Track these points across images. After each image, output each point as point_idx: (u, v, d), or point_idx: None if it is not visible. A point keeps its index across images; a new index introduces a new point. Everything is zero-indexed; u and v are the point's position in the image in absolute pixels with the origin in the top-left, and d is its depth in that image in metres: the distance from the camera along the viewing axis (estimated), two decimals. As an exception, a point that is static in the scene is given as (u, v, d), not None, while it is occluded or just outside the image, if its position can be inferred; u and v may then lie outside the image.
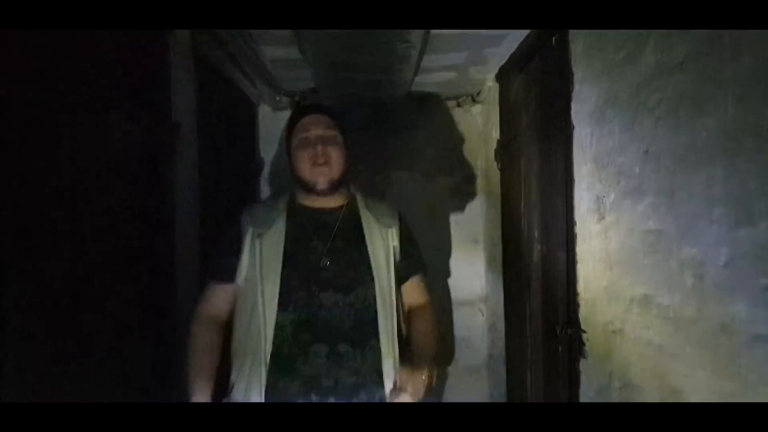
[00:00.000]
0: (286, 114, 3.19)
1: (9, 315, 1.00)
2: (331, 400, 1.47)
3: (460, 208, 3.14)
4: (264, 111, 3.18)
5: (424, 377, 1.48)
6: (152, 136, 1.69)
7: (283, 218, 1.57)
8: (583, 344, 1.74)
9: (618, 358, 1.51)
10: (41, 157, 1.14)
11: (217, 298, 1.58)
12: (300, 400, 1.46)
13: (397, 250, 1.62)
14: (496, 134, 2.72)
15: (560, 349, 1.88)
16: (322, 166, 1.54)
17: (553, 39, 1.86)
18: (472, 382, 3.14)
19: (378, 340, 1.52)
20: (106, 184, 1.40)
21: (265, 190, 3.18)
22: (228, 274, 1.56)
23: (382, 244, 1.58)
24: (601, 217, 1.58)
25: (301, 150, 1.57)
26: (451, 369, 3.16)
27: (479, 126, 3.11)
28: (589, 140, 1.64)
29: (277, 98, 3.10)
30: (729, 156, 1.03)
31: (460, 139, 3.13)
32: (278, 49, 2.37)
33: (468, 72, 2.63)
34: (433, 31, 2.07)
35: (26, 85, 1.09)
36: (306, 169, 1.56)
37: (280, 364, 1.46)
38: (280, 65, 2.63)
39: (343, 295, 1.50)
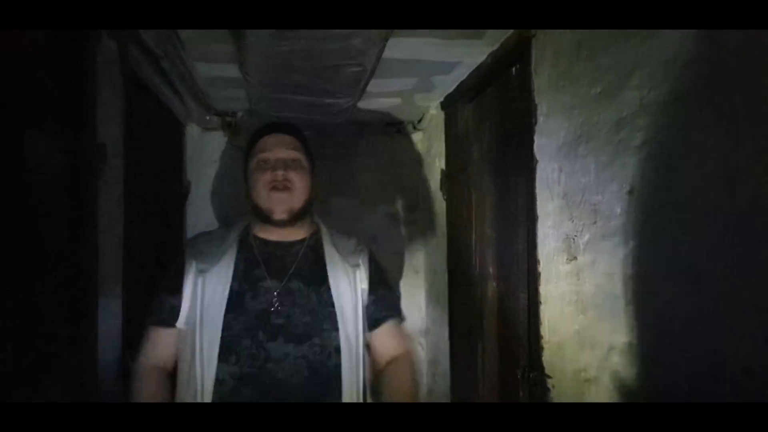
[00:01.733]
0: (216, 135, 2.99)
1: None
2: None
3: (401, 237, 3.03)
4: (192, 131, 2.95)
5: None
6: (75, 156, 1.47)
7: (233, 252, 1.37)
8: (548, 389, 1.65)
9: (592, 408, 1.42)
10: None
11: (158, 345, 1.38)
12: None
13: (366, 293, 1.41)
14: (440, 163, 2.64)
15: (521, 393, 1.78)
16: (281, 192, 1.35)
17: (513, 69, 1.80)
18: (412, 419, 3.00)
19: (336, 398, 1.31)
20: (22, 207, 1.19)
21: (191, 215, 2.93)
22: (168, 316, 1.36)
23: (349, 286, 1.37)
24: (572, 258, 1.51)
25: (259, 173, 1.37)
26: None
27: (420, 154, 3.03)
28: (556, 176, 1.58)
29: (207, 118, 2.89)
30: (725, 196, 0.97)
31: (400, 167, 3.03)
32: (214, 66, 2.18)
33: (413, 99, 2.54)
34: (384, 56, 1.96)
35: None
36: (263, 196, 1.37)
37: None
38: (214, 84, 2.43)
39: (294, 346, 1.30)
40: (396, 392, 1.39)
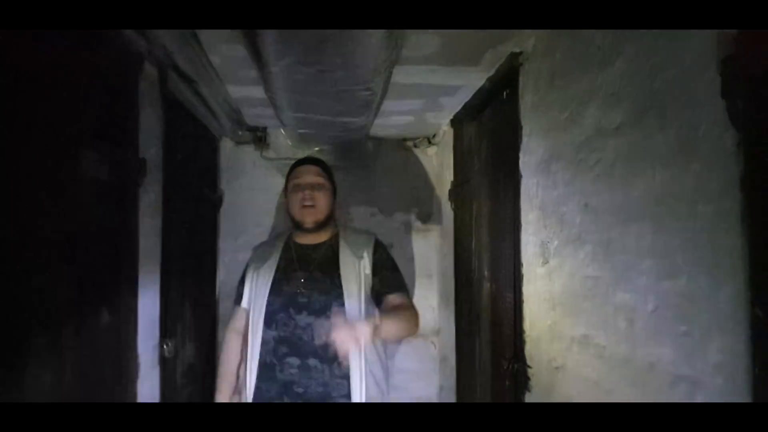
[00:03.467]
0: (248, 148, 3.29)
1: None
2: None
3: (416, 243, 3.26)
4: (225, 145, 3.24)
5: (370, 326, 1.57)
6: (120, 171, 1.74)
7: (278, 253, 1.94)
8: (528, 379, 1.85)
9: (560, 393, 1.63)
10: (17, 190, 1.19)
11: (236, 317, 2.02)
12: (276, 401, 1.79)
13: (369, 277, 1.85)
14: (450, 176, 2.86)
15: (507, 383, 1.99)
16: (309, 208, 1.87)
17: (504, 93, 2.02)
18: (424, 414, 3.21)
19: (347, 358, 1.74)
20: (74, 219, 1.46)
21: (223, 222, 3.23)
22: (238, 299, 2.02)
23: (354, 273, 1.84)
24: (546, 261, 1.71)
25: (294, 193, 1.92)
26: (403, 399, 3.23)
27: (435, 166, 3.26)
28: (535, 190, 1.79)
29: (240, 133, 3.17)
30: (656, 215, 1.17)
31: (416, 179, 3.26)
32: (243, 88, 2.45)
33: (425, 117, 2.78)
34: (393, 80, 2.21)
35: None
36: (296, 210, 1.90)
37: (264, 372, 1.82)
38: (245, 103, 2.71)
39: (315, 318, 1.80)
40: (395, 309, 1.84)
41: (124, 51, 1.77)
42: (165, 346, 2.25)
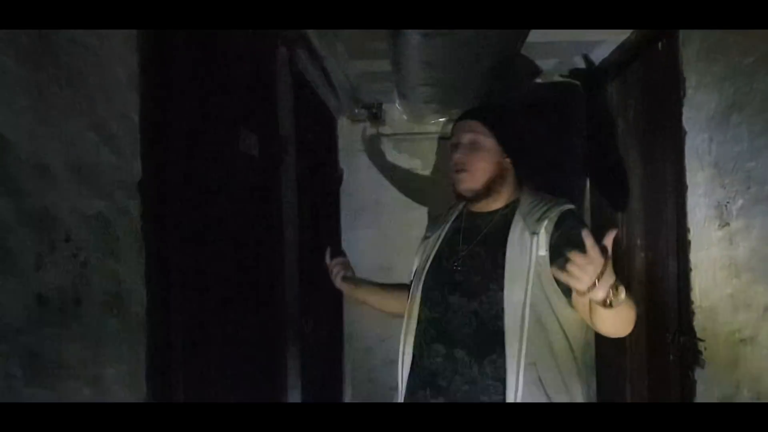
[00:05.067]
0: (363, 126, 3.28)
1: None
2: (441, 401, 1.45)
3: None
4: (342, 123, 3.25)
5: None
6: (265, 148, 1.76)
7: (448, 223, 1.64)
8: (700, 353, 1.71)
9: (748, 368, 1.48)
10: (199, 165, 1.22)
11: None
12: (420, 392, 1.49)
13: (545, 259, 1.40)
14: (582, 142, 2.70)
15: (671, 357, 1.85)
16: (460, 173, 1.53)
17: (660, 44, 1.85)
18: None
19: (501, 355, 1.37)
20: (235, 191, 1.50)
21: (344, 199, 3.25)
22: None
23: (524, 252, 1.42)
24: (724, 224, 1.56)
25: (450, 156, 1.60)
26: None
27: (565, 131, 3.08)
28: (707, 146, 1.62)
29: (356, 111, 3.16)
30: None
31: (548, 142, 3.11)
32: (369, 62, 2.42)
33: (552, 79, 2.63)
34: (528, 40, 2.09)
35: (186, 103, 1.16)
36: (452, 176, 1.58)
37: (416, 354, 1.53)
38: (364, 78, 2.69)
39: (468, 301, 1.45)
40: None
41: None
42: (305, 323, 2.30)
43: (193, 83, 1.24)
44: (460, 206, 1.65)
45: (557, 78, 2.61)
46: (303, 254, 2.20)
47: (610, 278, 1.13)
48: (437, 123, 3.16)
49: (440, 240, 1.61)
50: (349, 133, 3.29)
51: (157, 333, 1.03)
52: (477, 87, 2.39)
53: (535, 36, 2.05)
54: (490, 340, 1.40)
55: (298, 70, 2.24)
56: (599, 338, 2.57)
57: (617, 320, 1.26)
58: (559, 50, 2.25)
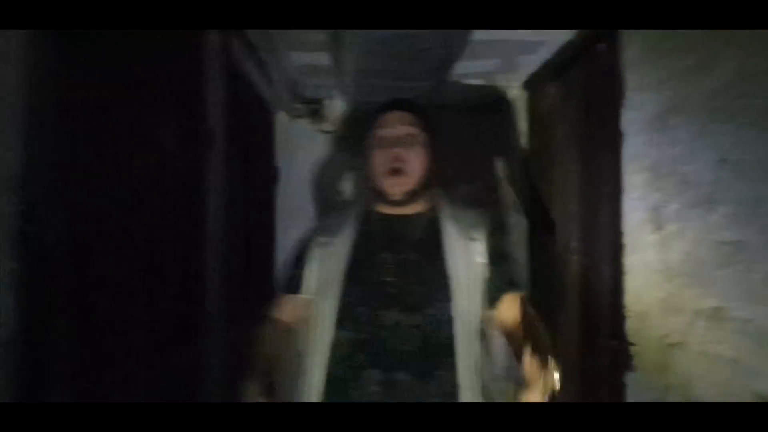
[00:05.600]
0: (303, 122, 3.16)
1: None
2: None
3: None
4: (281, 119, 3.13)
5: (555, 372, 1.14)
6: (189, 141, 1.63)
7: (353, 226, 1.42)
8: (630, 357, 1.70)
9: (677, 372, 1.47)
10: (98, 160, 1.08)
11: (283, 310, 1.45)
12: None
13: (483, 267, 1.37)
14: (521, 144, 2.69)
15: (603, 362, 1.83)
16: (397, 176, 1.36)
17: (601, 46, 1.84)
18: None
19: (448, 370, 1.29)
20: (146, 188, 1.35)
21: (280, 200, 3.12)
22: (291, 285, 1.44)
23: (464, 259, 1.36)
24: (659, 228, 1.55)
25: (377, 150, 1.39)
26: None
27: (500, 135, 3.08)
28: (644, 149, 1.61)
29: (296, 106, 3.05)
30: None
31: (480, 148, 3.09)
32: (308, 55, 2.32)
33: (495, 80, 2.61)
34: (472, 37, 2.05)
35: (86, 91, 1.03)
36: (380, 176, 1.38)
37: (334, 387, 1.31)
38: (304, 71, 2.59)
39: (408, 315, 1.30)
40: (531, 330, 1.29)
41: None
42: (229, 333, 2.16)
43: (97, 66, 1.10)
44: (361, 207, 1.46)
45: (499, 79, 2.60)
46: (230, 258, 2.07)
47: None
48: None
49: (350, 247, 1.38)
50: (288, 129, 3.17)
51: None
52: (417, 85, 2.34)
53: (478, 35, 2.02)
54: (437, 356, 1.30)
55: (232, 59, 2.11)
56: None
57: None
58: (502, 50, 2.22)
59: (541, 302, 2.46)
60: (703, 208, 1.35)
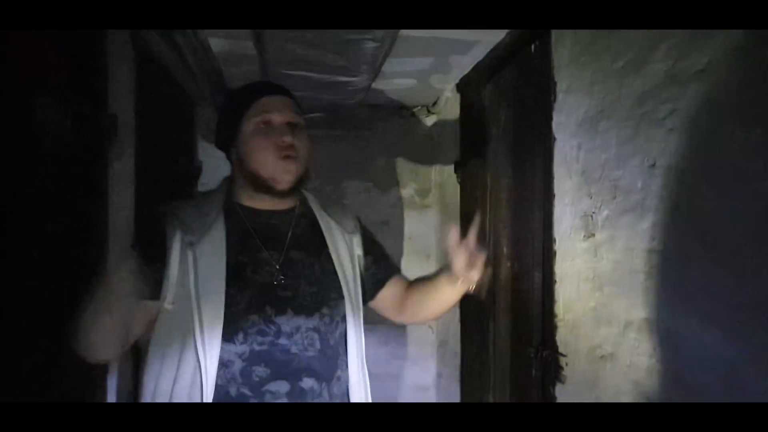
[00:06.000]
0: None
1: None
2: None
3: (413, 221, 3.02)
4: (204, 111, 2.94)
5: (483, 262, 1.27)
6: (88, 126, 1.45)
7: (221, 222, 1.26)
8: (561, 368, 1.64)
9: (608, 385, 1.42)
10: None
11: (132, 317, 1.18)
12: None
13: (361, 258, 1.41)
14: (455, 146, 2.63)
15: (534, 372, 1.78)
16: (291, 161, 1.26)
17: (533, 47, 1.78)
18: (421, 400, 3.01)
19: (345, 369, 1.30)
20: (33, 174, 1.17)
21: (202, 197, 2.94)
22: (153, 290, 1.19)
23: (347, 254, 1.36)
24: (590, 235, 1.49)
25: (262, 137, 1.26)
26: (398, 387, 3.02)
27: (434, 137, 3.01)
28: (575, 153, 1.56)
29: (219, 97, 2.87)
30: (755, 173, 0.95)
31: (414, 151, 3.02)
32: (229, 42, 2.17)
33: (428, 80, 2.53)
34: (402, 33, 1.95)
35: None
36: (269, 163, 1.26)
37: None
38: (227, 61, 2.42)
39: (306, 318, 1.23)
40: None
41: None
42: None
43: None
44: (221, 201, 1.30)
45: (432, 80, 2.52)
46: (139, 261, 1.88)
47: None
48: (312, 117, 2.96)
49: (224, 246, 1.23)
50: (212, 124, 2.98)
51: None
52: (346, 81, 2.23)
53: (409, 33, 1.93)
54: (335, 356, 1.30)
55: (145, 43, 1.93)
56: (465, 349, 2.49)
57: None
58: (434, 49, 2.14)
59: (471, 310, 2.41)
60: (633, 215, 1.30)
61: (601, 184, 1.43)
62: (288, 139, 1.26)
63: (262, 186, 1.29)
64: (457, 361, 2.62)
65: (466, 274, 1.27)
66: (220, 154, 2.85)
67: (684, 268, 1.14)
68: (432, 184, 3.02)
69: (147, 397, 1.20)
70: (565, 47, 1.61)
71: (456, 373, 2.64)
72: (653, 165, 1.23)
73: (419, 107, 2.97)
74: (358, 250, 1.41)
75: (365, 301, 1.42)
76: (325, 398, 1.24)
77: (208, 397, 1.15)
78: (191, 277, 1.18)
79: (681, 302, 1.15)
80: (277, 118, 1.28)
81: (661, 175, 1.20)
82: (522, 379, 1.87)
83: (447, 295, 1.37)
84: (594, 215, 1.47)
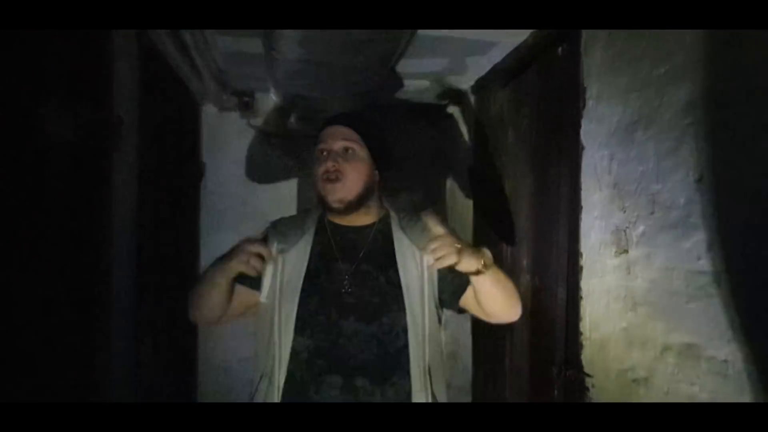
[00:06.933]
0: (232, 115, 2.90)
1: None
2: None
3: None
4: (208, 111, 2.85)
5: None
6: (92, 129, 1.37)
7: (311, 235, 1.47)
8: (587, 389, 1.56)
9: (641, 411, 1.33)
10: None
11: (239, 296, 1.44)
12: None
13: (435, 275, 1.43)
14: (466, 152, 2.54)
15: (555, 392, 1.69)
16: (333, 183, 1.41)
17: (559, 49, 1.70)
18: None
19: (403, 377, 1.37)
20: (38, 178, 1.13)
21: (205, 196, 2.86)
22: (256, 281, 1.42)
23: (416, 269, 1.42)
24: (622, 251, 1.41)
25: (317, 164, 1.46)
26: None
27: (446, 141, 2.92)
28: (606, 164, 1.48)
29: (224, 97, 2.79)
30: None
31: (424, 156, 2.93)
32: (237, 41, 2.08)
33: (443, 82, 2.44)
34: (418, 33, 1.86)
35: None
36: (318, 186, 1.45)
37: (293, 392, 1.37)
38: (234, 60, 2.33)
39: (365, 324, 1.38)
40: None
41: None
42: (141, 343, 1.91)
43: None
44: (316, 217, 1.51)
45: (446, 81, 2.44)
46: (143, 262, 1.81)
47: (467, 246, 1.28)
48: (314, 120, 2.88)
49: (308, 255, 1.43)
50: (216, 123, 2.90)
51: None
52: (357, 81, 2.14)
53: (425, 32, 1.84)
54: (393, 363, 1.38)
55: (150, 41, 1.85)
56: (477, 363, 2.41)
57: (498, 288, 1.36)
58: (450, 50, 2.06)
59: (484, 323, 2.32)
60: (674, 232, 1.22)
61: (637, 198, 1.35)
62: (329, 164, 1.41)
63: (323, 204, 1.46)
64: (468, 376, 2.54)
65: (438, 254, 1.26)
66: (221, 154, 2.79)
67: (734, 292, 1.06)
68: (444, 189, 2.93)
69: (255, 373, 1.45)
70: (596, 52, 1.52)
71: (467, 387, 2.55)
72: (699, 179, 1.14)
73: (433, 110, 2.88)
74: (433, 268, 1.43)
75: (447, 307, 1.49)
76: (377, 398, 1.36)
77: (282, 377, 1.36)
78: (278, 278, 1.41)
79: (730, 329, 1.07)
80: (329, 145, 1.44)
81: (709, 190, 1.12)
82: (542, 398, 1.78)
83: (477, 283, 1.36)
84: (627, 230, 1.39)
